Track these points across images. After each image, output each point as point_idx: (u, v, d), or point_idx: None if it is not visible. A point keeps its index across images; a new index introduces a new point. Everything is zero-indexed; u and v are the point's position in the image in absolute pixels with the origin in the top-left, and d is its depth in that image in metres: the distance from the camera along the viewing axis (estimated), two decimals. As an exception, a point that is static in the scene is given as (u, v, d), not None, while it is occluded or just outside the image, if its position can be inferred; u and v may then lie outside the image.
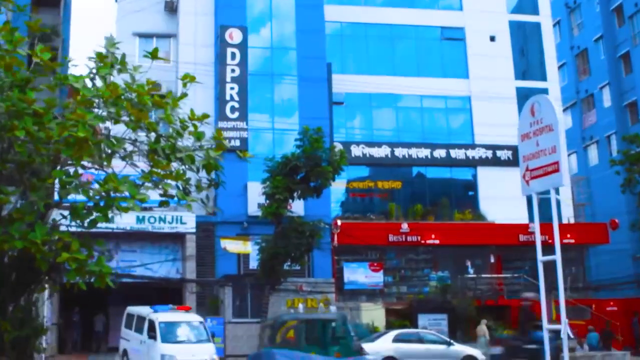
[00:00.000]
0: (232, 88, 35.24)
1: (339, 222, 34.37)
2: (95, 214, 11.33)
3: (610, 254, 43.52)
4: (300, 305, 32.63)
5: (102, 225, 32.86)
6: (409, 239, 35.75)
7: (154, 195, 12.84)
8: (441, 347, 28.37)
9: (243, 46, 35.78)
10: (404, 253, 36.82)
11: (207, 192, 13.18)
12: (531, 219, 37.88)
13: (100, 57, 12.76)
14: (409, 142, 38.43)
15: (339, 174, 29.79)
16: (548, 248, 36.89)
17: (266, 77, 36.20)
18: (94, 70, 12.69)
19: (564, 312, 14.80)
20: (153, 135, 12.81)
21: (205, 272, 33.30)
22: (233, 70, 35.46)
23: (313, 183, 29.37)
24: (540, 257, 16.07)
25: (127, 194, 11.17)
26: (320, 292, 33.18)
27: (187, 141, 12.82)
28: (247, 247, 30.78)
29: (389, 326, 32.50)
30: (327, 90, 36.57)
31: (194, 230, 32.68)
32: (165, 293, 34.27)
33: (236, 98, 35.16)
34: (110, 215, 11.38)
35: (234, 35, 35.80)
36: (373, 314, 33.82)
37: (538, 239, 16.31)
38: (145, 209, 31.40)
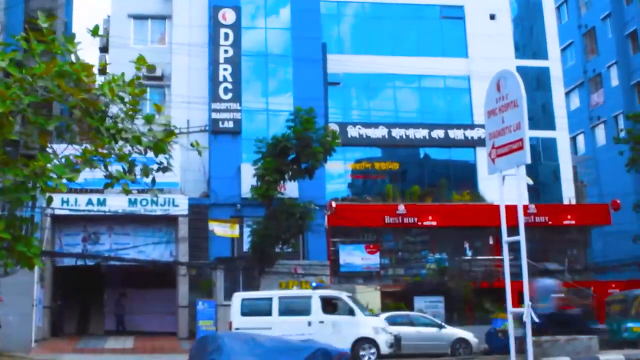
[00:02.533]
0: (225, 69, 34.89)
1: (333, 204, 33.97)
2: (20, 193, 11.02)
3: (617, 235, 42.98)
4: (295, 288, 32.38)
5: (95, 208, 32.65)
6: (405, 220, 35.29)
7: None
8: (432, 330, 27.95)
9: (236, 27, 35.40)
10: (401, 235, 36.36)
11: (153, 175, 12.85)
12: (531, 200, 37.54)
13: (43, 33, 12.39)
14: (406, 122, 37.90)
15: (331, 155, 29.40)
16: (550, 230, 36.66)
17: (260, 58, 35.83)
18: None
19: (527, 295, 14.35)
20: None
21: (198, 255, 33.07)
22: (226, 51, 35.09)
23: (304, 164, 29.06)
24: (505, 238, 15.62)
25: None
26: (314, 274, 32.86)
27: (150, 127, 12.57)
28: (235, 231, 30.45)
29: (385, 309, 32.12)
30: (322, 70, 36.16)
31: (186, 212, 32.40)
32: (160, 275, 34.21)
33: (229, 79, 34.82)
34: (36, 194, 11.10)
35: (227, 16, 35.42)
36: (368, 296, 33.38)
37: (503, 219, 15.91)
38: (128, 191, 31.14)
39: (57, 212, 31.18)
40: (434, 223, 35.48)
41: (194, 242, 32.89)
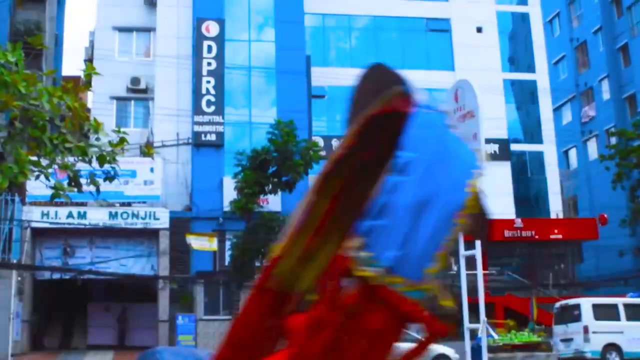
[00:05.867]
0: (208, 82, 34.70)
1: (316, 218, 33.60)
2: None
3: (609, 249, 42.65)
4: (277, 302, 32.07)
5: (75, 222, 32.44)
6: (390, 234, 34.87)
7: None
8: (411, 345, 27.56)
9: (220, 39, 35.23)
10: (386, 248, 35.96)
11: (97, 185, 12.72)
12: (518, 214, 37.21)
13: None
14: (392, 136, 37.52)
15: (312, 168, 29.12)
16: (537, 244, 36.31)
17: (243, 71, 35.61)
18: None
19: (483, 311, 14.02)
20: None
21: (180, 269, 32.82)
22: (209, 64, 34.91)
23: (285, 177, 28.83)
24: (462, 252, 15.25)
25: None
26: (297, 288, 32.51)
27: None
28: (213, 244, 30.14)
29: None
30: (307, 83, 35.94)
31: (167, 226, 32.15)
32: (142, 289, 33.94)
33: (212, 92, 34.62)
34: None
35: (211, 28, 35.26)
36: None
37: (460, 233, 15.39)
38: (111, 204, 31.06)
39: (37, 225, 31.01)
40: (419, 237, 35.05)
41: (175, 256, 32.62)
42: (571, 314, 26.37)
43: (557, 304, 27.55)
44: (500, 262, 36.76)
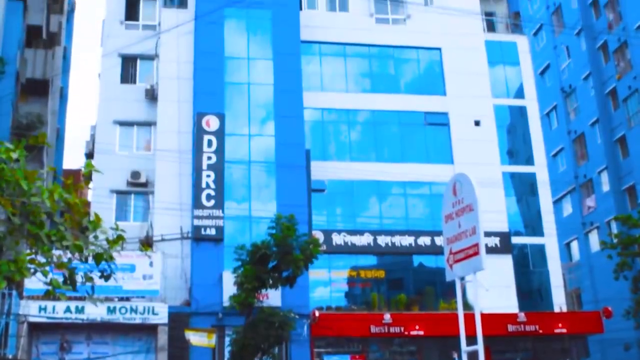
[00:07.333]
0: (208, 176, 34.79)
1: (317, 313, 33.26)
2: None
3: (615, 342, 42.17)
4: (277, 400, 31.41)
5: (73, 316, 32.21)
6: (392, 329, 34.43)
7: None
8: None
9: (220, 133, 35.49)
10: (388, 345, 35.43)
11: (92, 284, 12.64)
12: (521, 308, 36.76)
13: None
14: (392, 229, 37.46)
15: (313, 263, 28.88)
16: (541, 339, 35.75)
17: (243, 164, 35.77)
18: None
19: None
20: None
21: (178, 365, 32.22)
22: (209, 158, 35.07)
23: (285, 272, 28.57)
24: (464, 348, 15.02)
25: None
26: (298, 386, 31.96)
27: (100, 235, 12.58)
28: (212, 340, 29.65)
29: (370, 422, 31.12)
30: (306, 177, 36.04)
31: (166, 321, 31.74)
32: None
33: (212, 186, 34.67)
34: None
35: (211, 123, 35.56)
36: (353, 408, 32.47)
37: (462, 327, 15.26)
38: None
39: (34, 319, 30.64)
40: (421, 332, 34.60)
41: (173, 352, 32.07)
42: None
43: None
44: (503, 357, 36.15)
